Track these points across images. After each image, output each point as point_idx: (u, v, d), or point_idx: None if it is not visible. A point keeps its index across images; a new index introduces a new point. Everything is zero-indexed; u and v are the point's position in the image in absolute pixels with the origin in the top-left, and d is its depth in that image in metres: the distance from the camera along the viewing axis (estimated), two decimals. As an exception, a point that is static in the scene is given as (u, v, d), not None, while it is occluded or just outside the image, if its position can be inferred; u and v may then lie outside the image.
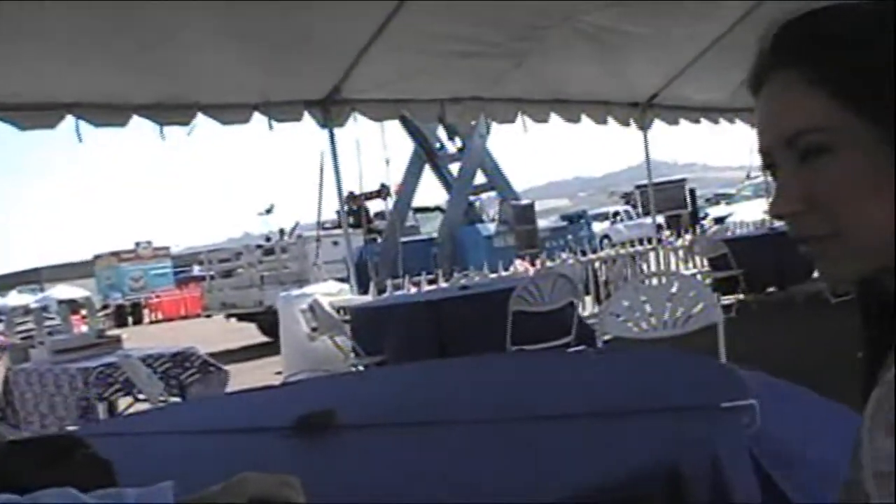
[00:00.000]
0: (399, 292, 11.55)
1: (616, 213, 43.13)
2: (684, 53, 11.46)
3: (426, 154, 23.69)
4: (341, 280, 12.69)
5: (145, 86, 8.10)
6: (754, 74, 1.07)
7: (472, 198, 24.76)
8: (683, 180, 32.24)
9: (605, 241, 29.28)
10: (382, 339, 7.62)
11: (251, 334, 18.82)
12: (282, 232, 22.27)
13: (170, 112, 8.40)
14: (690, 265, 15.19)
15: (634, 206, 40.83)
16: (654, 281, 5.63)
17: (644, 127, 13.06)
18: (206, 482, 1.69)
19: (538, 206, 25.52)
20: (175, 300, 40.16)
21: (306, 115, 9.54)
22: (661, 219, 23.88)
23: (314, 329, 9.90)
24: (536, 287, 7.30)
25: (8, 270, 57.37)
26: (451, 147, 24.52)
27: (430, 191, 25.82)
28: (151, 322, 39.02)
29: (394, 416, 2.94)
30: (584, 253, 15.09)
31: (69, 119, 7.76)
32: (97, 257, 44.96)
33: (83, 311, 18.78)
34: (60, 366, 7.82)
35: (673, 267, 15.42)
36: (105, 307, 37.18)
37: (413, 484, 2.12)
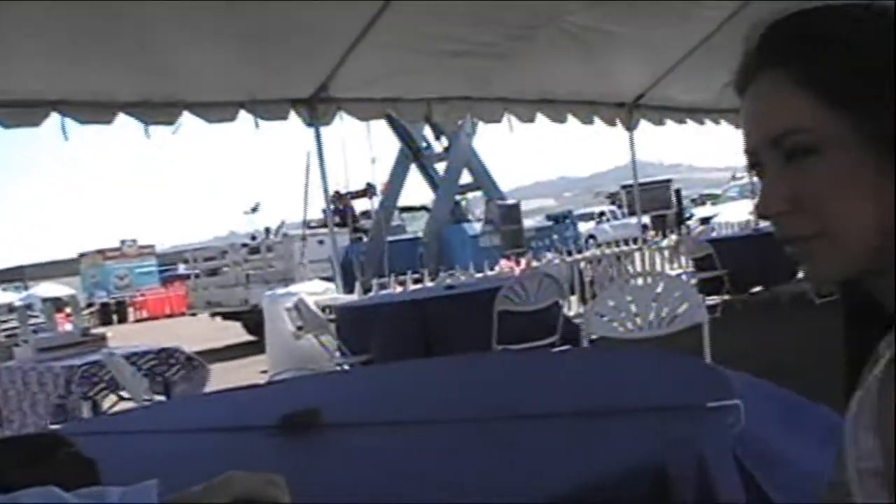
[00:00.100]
0: (385, 291, 11.55)
1: (602, 213, 43.25)
2: (670, 54, 11.49)
3: (412, 153, 23.68)
4: (327, 279, 12.67)
5: (131, 83, 8.08)
6: (741, 74, 1.07)
7: (457, 197, 24.77)
8: (669, 181, 32.36)
9: (591, 241, 29.29)
10: (368, 338, 7.61)
11: (236, 333, 18.78)
12: (267, 231, 22.23)
13: (155, 110, 8.38)
14: (676, 265, 15.22)
15: (620, 207, 40.95)
16: (640, 281, 5.66)
17: (630, 127, 13.09)
18: (190, 481, 1.68)
19: (524, 206, 25.53)
20: (160, 299, 40.08)
21: (292, 114, 9.53)
22: (646, 219, 23.95)
23: (299, 328, 9.88)
24: (522, 287, 7.30)
25: (-8, 268, 57.15)
26: (438, 146, 24.52)
27: (416, 190, 25.85)
28: (136, 321, 38.90)
29: (379, 416, 2.94)
30: (569, 253, 15.11)
31: (54, 116, 7.74)
32: (82, 255, 44.88)
33: (68, 310, 18.67)
34: (45, 364, 7.79)
35: (658, 267, 15.46)
36: (90, 305, 37.09)
37: (398, 483, 2.11)
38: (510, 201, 24.31)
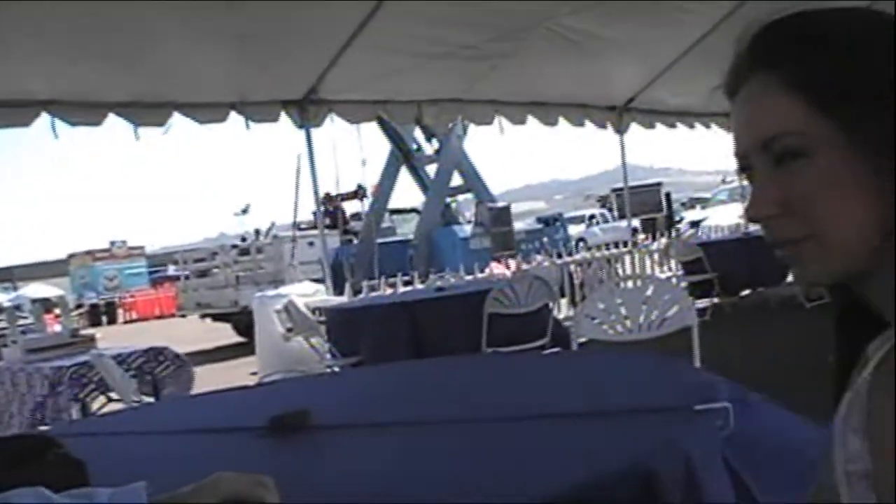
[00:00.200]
0: (375, 293, 11.55)
1: (592, 217, 43.24)
2: (661, 58, 11.51)
3: (403, 155, 23.70)
4: (317, 281, 12.66)
5: (121, 84, 8.07)
6: (731, 77, 1.07)
7: (448, 199, 24.78)
8: (659, 184, 32.33)
9: (581, 243, 29.33)
10: (358, 340, 7.61)
11: (226, 334, 18.76)
12: (257, 232, 22.21)
13: (146, 111, 8.38)
14: (665, 268, 15.24)
15: (610, 210, 40.96)
16: (630, 284, 5.66)
17: (621, 130, 13.11)
18: (179, 482, 1.68)
19: (514, 209, 25.55)
20: (150, 300, 39.99)
21: (283, 116, 9.53)
22: (636, 222, 23.95)
23: (289, 329, 9.87)
24: (512, 289, 7.31)
25: (-19, 269, 56.99)
26: (428, 148, 24.54)
27: (407, 192, 25.85)
28: (126, 322, 38.82)
29: (368, 417, 2.94)
30: (559, 255, 15.12)
31: (44, 116, 7.72)
32: (72, 256, 44.76)
33: (57, 311, 18.61)
34: (33, 365, 7.77)
35: (648, 270, 15.48)
36: (79, 306, 36.97)
37: (387, 484, 2.11)
38: (500, 204, 24.33)
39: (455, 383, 3.58)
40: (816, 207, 0.97)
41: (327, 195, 21.65)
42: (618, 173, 15.51)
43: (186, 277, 20.65)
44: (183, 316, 21.12)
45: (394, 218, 24.95)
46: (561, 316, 10.32)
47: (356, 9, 8.31)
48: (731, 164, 1.10)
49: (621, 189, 16.53)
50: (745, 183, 1.08)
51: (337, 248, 19.85)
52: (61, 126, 7.84)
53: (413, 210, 25.48)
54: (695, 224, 30.17)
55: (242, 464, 2.08)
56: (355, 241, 22.13)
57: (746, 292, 12.96)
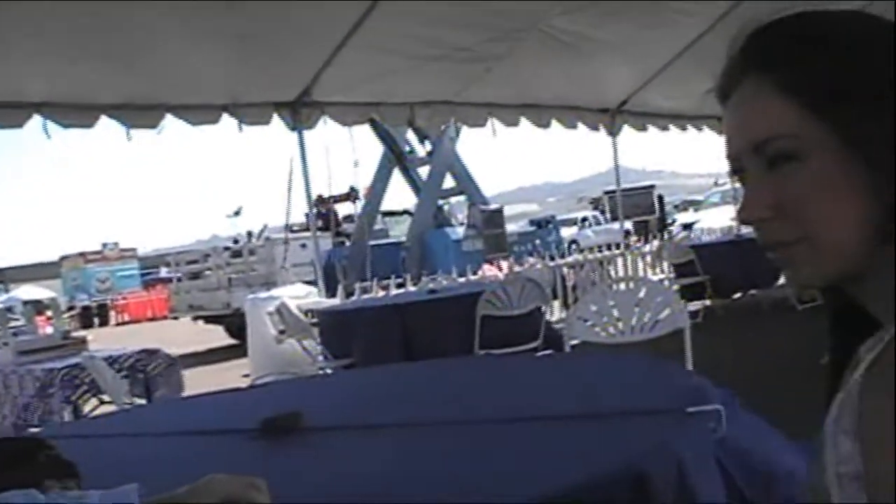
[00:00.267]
0: (367, 296, 11.54)
1: (584, 219, 43.27)
2: (654, 60, 11.53)
3: (395, 157, 23.69)
4: (309, 283, 12.66)
5: (114, 85, 8.07)
6: (724, 80, 1.07)
7: (440, 202, 24.78)
8: (652, 186, 32.34)
9: (574, 246, 29.36)
10: (350, 342, 7.60)
11: (218, 336, 18.73)
12: (250, 234, 22.19)
13: (138, 112, 8.37)
14: (658, 271, 15.26)
15: (603, 212, 40.98)
16: (622, 286, 5.66)
17: (613, 133, 13.13)
18: (171, 484, 1.68)
19: (507, 211, 25.56)
20: (142, 302, 39.92)
21: (275, 118, 9.52)
22: (629, 224, 23.98)
23: (282, 332, 9.87)
24: (504, 291, 7.31)
25: (-28, 271, 56.83)
26: (421, 150, 24.54)
27: (399, 194, 25.84)
28: (118, 324, 38.75)
29: (360, 419, 2.94)
30: (552, 258, 15.12)
31: (36, 118, 7.72)
32: (63, 258, 44.63)
33: (48, 312, 18.61)
34: (25, 367, 7.75)
35: (641, 272, 15.49)
36: (71, 308, 36.87)
37: (379, 486, 2.11)
38: (493, 206, 24.32)
39: (447, 385, 3.58)
40: (809, 210, 0.97)
41: (320, 197, 21.62)
42: (610, 176, 15.53)
43: (179, 279, 20.62)
44: (175, 318, 21.10)
45: (386, 220, 24.94)
46: (553, 318, 10.34)
47: (349, 11, 8.31)
48: (724, 166, 1.10)
49: (614, 191, 16.53)
50: (738, 185, 1.08)
51: (329, 250, 19.84)
52: (53, 127, 7.84)
53: (405, 212, 25.46)
54: (687, 226, 30.19)
55: (234, 466, 2.07)
56: (348, 244, 22.11)
57: (738, 295, 12.98)
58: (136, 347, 7.96)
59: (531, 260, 15.05)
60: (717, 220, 23.18)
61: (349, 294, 11.76)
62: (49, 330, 10.91)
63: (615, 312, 4.94)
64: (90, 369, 6.99)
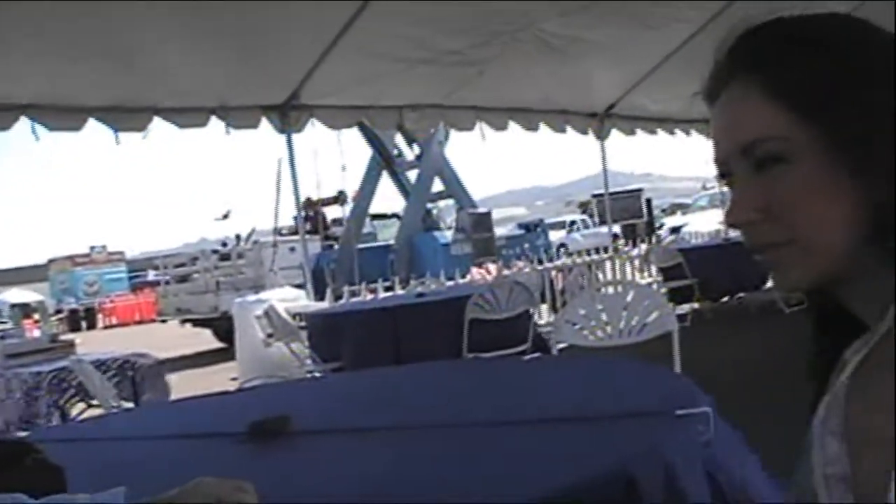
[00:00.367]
0: (355, 299, 11.53)
1: (573, 222, 43.36)
2: (642, 64, 11.55)
3: (384, 161, 23.67)
4: (297, 286, 12.65)
5: (102, 88, 8.04)
6: (711, 83, 1.07)
7: (429, 205, 24.77)
8: (640, 190, 32.45)
9: (562, 249, 29.38)
10: (339, 345, 7.59)
11: (206, 340, 18.70)
12: (238, 237, 22.17)
13: (126, 115, 8.34)
14: (646, 274, 15.28)
15: (591, 216, 41.07)
16: (610, 289, 5.67)
17: (601, 136, 13.15)
18: (159, 488, 1.68)
19: (495, 215, 25.57)
20: (130, 305, 39.85)
21: (263, 121, 9.51)
22: (617, 228, 24.01)
23: (270, 335, 9.85)
24: (493, 295, 7.31)
25: (-41, 274, 56.62)
26: (410, 154, 24.53)
27: (388, 198, 25.82)
28: (105, 327, 38.67)
29: (348, 423, 2.94)
30: (540, 261, 15.13)
31: (24, 120, 7.69)
32: (51, 261, 44.56)
33: (36, 316, 18.52)
34: (12, 370, 7.72)
35: (629, 276, 15.51)
36: (58, 312, 36.81)
37: (367, 490, 2.11)
38: (481, 210, 24.33)
39: (436, 389, 3.58)
40: (797, 213, 0.98)
41: (308, 200, 21.60)
42: (599, 179, 15.55)
43: (167, 283, 20.61)
44: (163, 321, 21.05)
45: (375, 223, 24.93)
46: (542, 321, 10.35)
47: (337, 14, 8.31)
48: (712, 170, 1.10)
49: (602, 195, 16.55)
50: (725, 189, 1.08)
51: (318, 254, 19.82)
52: (41, 130, 7.81)
53: (394, 215, 25.45)
54: (675, 230, 30.30)
55: (222, 469, 2.07)
56: (336, 247, 22.10)
57: (726, 298, 13.01)
58: (124, 351, 7.94)
59: (520, 263, 15.06)
60: (705, 223, 23.26)
61: (338, 297, 11.75)
62: (36, 333, 10.87)
63: (603, 316, 4.94)
64: (78, 373, 6.97)
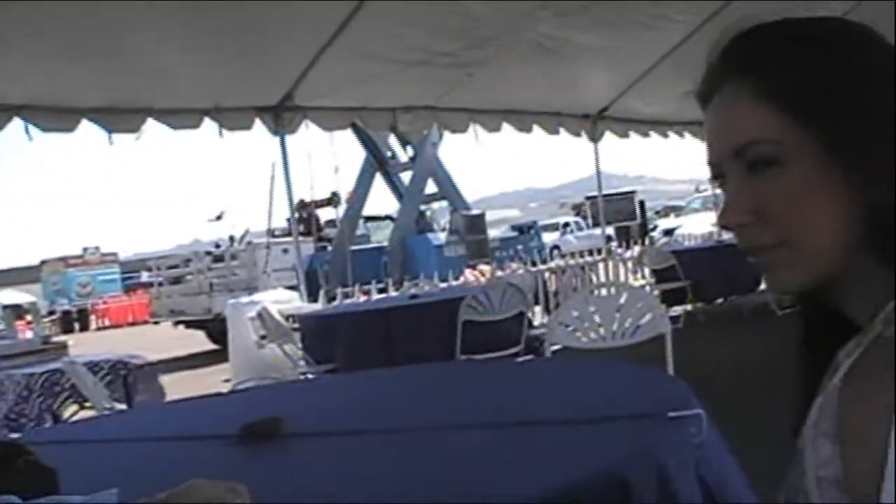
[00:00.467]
0: (349, 301, 11.53)
1: (566, 224, 43.38)
2: (635, 67, 11.57)
3: (377, 162, 23.65)
4: (291, 288, 12.63)
5: (95, 89, 8.04)
6: (704, 85, 1.08)
7: (422, 207, 24.76)
8: (633, 192, 32.45)
9: (556, 251, 29.37)
10: (332, 347, 7.59)
11: (200, 341, 18.69)
12: (231, 239, 22.14)
13: (119, 116, 8.33)
14: (639, 276, 15.29)
15: (585, 218, 41.10)
16: (604, 292, 5.67)
17: (595, 139, 13.16)
18: (152, 490, 1.68)
19: (489, 216, 25.53)
20: (123, 306, 39.75)
21: (257, 122, 9.50)
22: (610, 230, 24.02)
23: (263, 337, 9.84)
24: (486, 296, 7.31)
25: (-48, 275, 56.48)
26: (403, 156, 24.51)
27: (382, 199, 25.81)
28: (98, 328, 38.59)
29: (341, 425, 2.93)
30: (534, 263, 15.14)
31: (17, 121, 7.68)
32: (44, 262, 44.42)
33: (28, 317, 18.49)
34: (4, 372, 7.71)
35: (622, 278, 15.52)
36: (51, 313, 36.73)
37: (360, 492, 2.11)
38: (475, 211, 24.30)
39: (429, 391, 3.58)
40: (789, 215, 0.98)
41: (302, 202, 21.58)
42: (592, 181, 15.56)
43: (160, 284, 20.56)
44: (156, 323, 21.01)
45: (368, 225, 24.89)
46: (535, 323, 10.35)
47: (331, 15, 8.30)
48: (705, 172, 1.11)
49: (596, 197, 16.59)
50: (719, 191, 1.09)
51: (311, 255, 19.80)
52: (34, 131, 7.80)
53: (388, 217, 25.44)
54: (668, 232, 30.31)
55: (215, 471, 2.07)
56: (329, 248, 22.07)
57: (719, 300, 13.02)
58: (117, 353, 7.93)
59: (513, 265, 15.07)
60: (698, 225, 23.27)
61: (331, 299, 11.75)
62: (29, 335, 10.85)
63: (596, 318, 4.95)
64: (71, 374, 6.96)
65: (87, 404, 7.26)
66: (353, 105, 10.03)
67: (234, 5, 7.40)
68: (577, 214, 46.31)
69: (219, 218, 24.67)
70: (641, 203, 34.30)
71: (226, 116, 9.11)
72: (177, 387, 8.28)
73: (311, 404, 3.64)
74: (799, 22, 1.04)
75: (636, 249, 17.10)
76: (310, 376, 7.73)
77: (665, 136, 13.97)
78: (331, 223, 24.42)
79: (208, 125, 9.02)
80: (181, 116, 8.89)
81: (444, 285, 12.16)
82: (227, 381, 11.39)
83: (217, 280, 18.50)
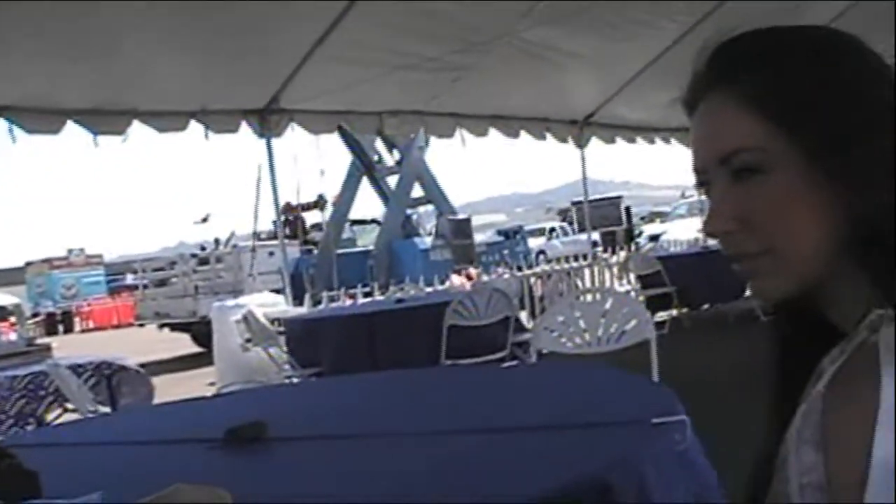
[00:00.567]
0: (334, 304, 11.51)
1: (552, 230, 43.45)
2: (621, 73, 11.60)
3: (364, 166, 23.65)
4: (276, 291, 12.61)
5: (81, 91, 8.01)
6: (690, 93, 1.08)
7: (409, 211, 24.77)
8: (619, 198, 32.47)
9: (541, 256, 29.41)
10: (317, 351, 7.58)
11: (184, 344, 18.64)
12: (217, 242, 22.09)
13: (105, 118, 8.30)
14: (625, 282, 15.31)
15: (570, 223, 41.13)
16: (589, 297, 5.67)
17: (581, 144, 13.18)
18: (135, 494, 1.67)
19: (475, 221, 25.58)
20: (107, 309, 39.64)
21: (243, 125, 9.49)
22: (596, 235, 24.05)
23: (248, 340, 9.81)
24: (472, 301, 7.31)
25: (-65, 276, 56.15)
26: (390, 160, 24.51)
27: (368, 203, 25.80)
28: (83, 331, 38.46)
29: (325, 429, 2.93)
30: (519, 268, 15.15)
31: (0, 122, 7.65)
32: (28, 264, 44.27)
33: (12, 319, 18.41)
34: (-13, 374, 7.68)
35: (608, 283, 15.54)
36: (35, 315, 36.59)
37: (343, 497, 2.11)
38: (461, 216, 24.33)
39: (413, 396, 3.58)
40: (773, 223, 0.98)
41: (287, 205, 21.55)
42: (578, 187, 15.58)
43: (145, 286, 20.50)
44: (141, 325, 20.94)
45: (354, 229, 24.88)
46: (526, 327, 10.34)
47: (319, 19, 8.30)
48: (691, 178, 1.11)
49: (581, 202, 16.59)
50: (704, 197, 1.09)
51: (297, 259, 19.78)
52: (18, 132, 7.76)
53: (374, 221, 25.44)
54: (654, 238, 30.39)
55: (198, 476, 2.07)
56: (315, 252, 22.05)
57: (705, 306, 13.04)
58: (101, 355, 7.90)
59: (499, 270, 15.08)
60: (684, 231, 23.35)
61: (316, 303, 11.73)
62: (13, 336, 10.82)
63: (582, 323, 4.94)
64: (54, 377, 6.93)
65: (71, 407, 7.23)
66: (339, 108, 10.02)
67: (221, 8, 7.39)
68: (563, 220, 46.40)
69: (204, 220, 24.61)
70: (627, 209, 34.33)
71: (212, 119, 9.09)
72: (161, 390, 8.24)
73: (296, 408, 3.64)
74: (784, 30, 1.04)
75: (622, 255, 17.11)
76: (295, 380, 7.71)
77: (651, 141, 14.01)
78: (317, 226, 24.39)
79: (194, 127, 9.01)
80: (167, 119, 8.87)
81: (429, 290, 12.16)
82: (211, 384, 11.36)
83: (202, 283, 18.46)
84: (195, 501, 1.66)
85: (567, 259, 16.24)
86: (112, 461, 2.94)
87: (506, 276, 13.39)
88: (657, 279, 12.39)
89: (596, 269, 15.96)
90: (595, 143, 13.29)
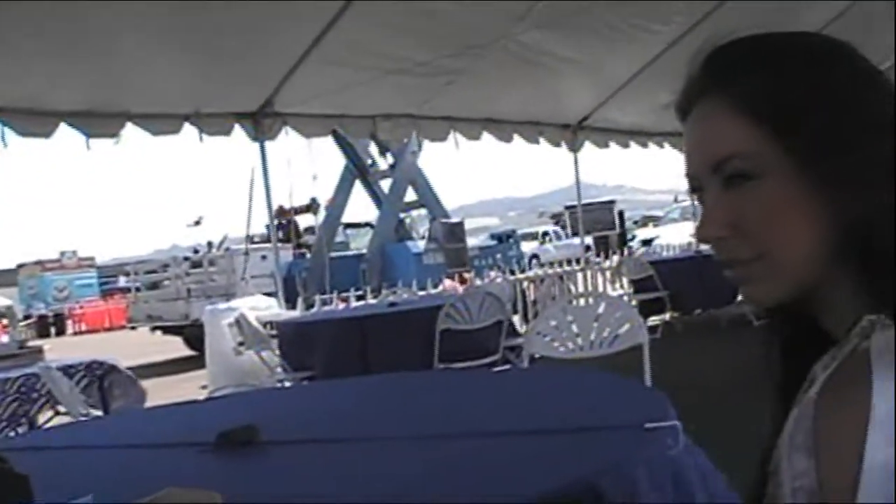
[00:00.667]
0: (327, 308, 11.51)
1: (545, 234, 43.48)
2: (615, 77, 11.61)
3: (357, 170, 23.63)
4: (269, 294, 12.60)
5: (74, 93, 7.99)
6: (683, 99, 1.08)
7: (402, 215, 24.76)
8: (612, 202, 32.64)
9: (534, 260, 29.42)
10: (310, 354, 7.58)
11: (177, 347, 18.60)
12: (210, 245, 22.06)
13: (98, 121, 8.29)
14: (618, 286, 15.32)
15: (564, 227, 41.23)
16: (582, 301, 5.68)
17: (574, 148, 13.19)
18: (127, 497, 1.67)
19: (468, 225, 25.56)
20: (100, 311, 39.54)
21: (237, 128, 9.48)
22: (589, 240, 24.10)
23: (240, 343, 9.81)
24: (465, 305, 7.31)
25: (-73, 278, 56.03)
26: (383, 163, 24.50)
27: (361, 207, 25.77)
28: (75, 333, 38.36)
29: (317, 433, 2.93)
30: (512, 272, 15.16)
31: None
32: (21, 266, 44.17)
33: (4, 321, 18.41)
34: (-22, 376, 7.65)
35: (600, 288, 15.55)
36: (27, 317, 36.52)
37: (334, 500, 2.10)
38: (454, 220, 24.32)
39: (406, 400, 3.58)
40: (766, 229, 0.98)
41: (280, 208, 21.53)
42: (572, 191, 15.60)
43: (137, 289, 20.46)
44: (133, 328, 20.89)
45: (347, 232, 24.85)
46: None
47: (312, 22, 8.30)
48: (684, 183, 1.11)
49: (575, 206, 16.63)
50: (698, 202, 1.09)
51: (290, 262, 19.76)
52: (9, 135, 7.74)
53: (367, 224, 25.41)
54: (647, 242, 30.45)
55: (190, 479, 2.06)
56: (308, 255, 22.03)
57: (697, 311, 13.05)
58: (93, 358, 7.88)
59: (492, 274, 15.08)
60: (677, 236, 23.37)
61: (309, 306, 11.73)
62: (5, 339, 10.82)
63: (574, 327, 4.95)
64: (46, 380, 6.91)
65: (63, 410, 7.22)
66: (333, 112, 10.02)
67: (214, 11, 7.39)
68: (556, 224, 46.45)
69: (197, 223, 24.60)
70: (620, 213, 34.48)
71: (205, 122, 9.08)
72: (153, 393, 8.23)
73: (288, 412, 3.63)
74: (777, 36, 1.05)
75: (615, 259, 17.15)
76: (287, 384, 7.71)
77: (644, 146, 14.01)
78: (310, 230, 24.37)
79: (188, 130, 9.00)
80: (161, 121, 8.86)
81: (422, 293, 12.16)
82: (203, 387, 11.35)
83: (195, 286, 18.43)
84: (187, 505, 1.66)
85: (560, 263, 16.25)
86: (103, 465, 2.94)
87: (499, 280, 13.40)
88: (650, 283, 12.41)
89: (589, 274, 15.97)
90: (588, 148, 13.31)
